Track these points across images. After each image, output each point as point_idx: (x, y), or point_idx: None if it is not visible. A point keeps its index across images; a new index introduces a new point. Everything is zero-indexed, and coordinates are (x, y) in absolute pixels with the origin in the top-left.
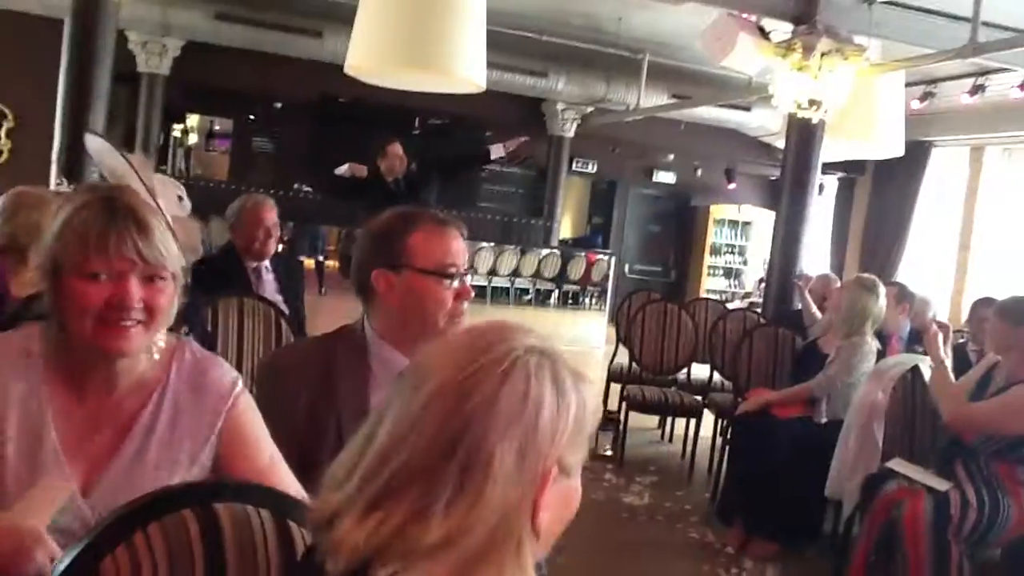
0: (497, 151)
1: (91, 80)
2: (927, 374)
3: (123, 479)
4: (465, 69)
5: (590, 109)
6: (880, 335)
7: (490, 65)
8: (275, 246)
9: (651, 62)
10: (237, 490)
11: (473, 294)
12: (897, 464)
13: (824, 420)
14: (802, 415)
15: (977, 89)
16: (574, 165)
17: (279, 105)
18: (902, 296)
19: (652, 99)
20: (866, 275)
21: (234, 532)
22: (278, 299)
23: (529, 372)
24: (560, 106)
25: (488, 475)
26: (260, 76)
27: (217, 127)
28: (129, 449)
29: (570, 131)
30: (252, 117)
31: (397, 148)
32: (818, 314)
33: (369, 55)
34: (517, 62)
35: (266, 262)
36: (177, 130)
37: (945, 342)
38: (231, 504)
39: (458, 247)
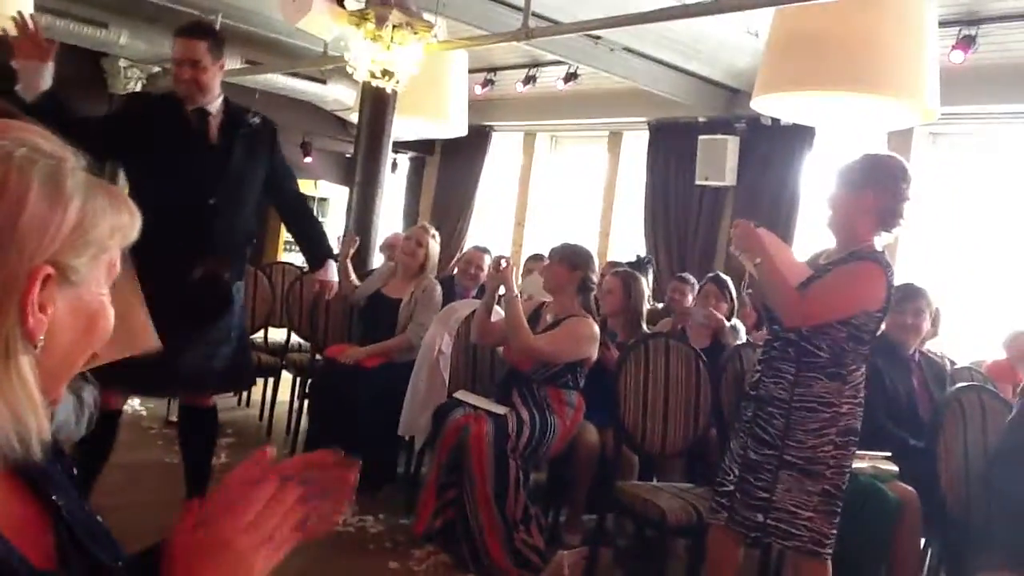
0: None
1: None
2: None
3: None
4: (5, 7)
5: (157, 69)
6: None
7: (40, 8)
8: None
9: (224, 24)
10: None
11: None
12: (462, 394)
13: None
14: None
15: (529, 79)
16: None
17: None
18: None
19: (225, 63)
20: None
21: None
22: None
23: (10, 165)
24: (123, 63)
25: None
26: None
27: None
28: None
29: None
30: None
31: (198, 47)
32: (356, 281)
33: None
34: (73, 8)
35: None
36: None
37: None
38: None
39: None
